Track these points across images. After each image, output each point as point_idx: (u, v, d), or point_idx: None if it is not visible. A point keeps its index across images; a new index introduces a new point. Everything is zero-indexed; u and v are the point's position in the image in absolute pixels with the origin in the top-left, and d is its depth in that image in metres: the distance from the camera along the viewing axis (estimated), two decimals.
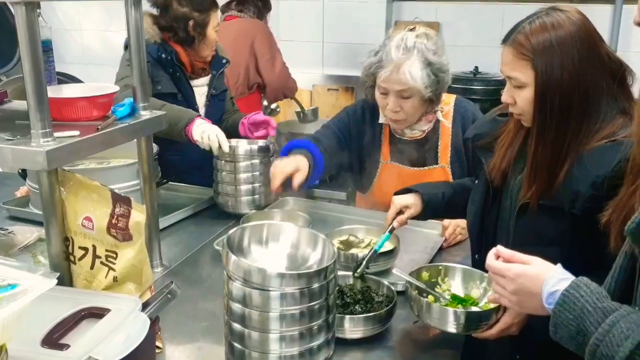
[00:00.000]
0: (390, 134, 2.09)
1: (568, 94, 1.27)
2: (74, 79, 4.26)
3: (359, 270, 1.51)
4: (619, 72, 1.32)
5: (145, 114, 1.52)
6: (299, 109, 3.52)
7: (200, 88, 2.36)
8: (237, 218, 1.95)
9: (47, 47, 1.57)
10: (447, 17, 3.89)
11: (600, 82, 1.30)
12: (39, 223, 1.85)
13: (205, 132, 1.97)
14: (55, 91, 1.48)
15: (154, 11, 2.29)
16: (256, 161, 2.01)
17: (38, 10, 1.52)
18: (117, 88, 1.51)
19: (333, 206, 2.20)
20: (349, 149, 2.10)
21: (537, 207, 1.34)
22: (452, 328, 1.32)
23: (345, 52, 3.91)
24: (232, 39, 3.26)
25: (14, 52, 4.58)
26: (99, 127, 1.35)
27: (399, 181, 2.04)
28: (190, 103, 2.28)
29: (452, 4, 3.90)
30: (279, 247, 1.18)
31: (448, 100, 2.06)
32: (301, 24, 4.04)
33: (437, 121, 2.04)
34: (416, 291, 1.40)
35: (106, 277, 1.25)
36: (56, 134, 1.23)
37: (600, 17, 3.56)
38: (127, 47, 2.25)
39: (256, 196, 2.03)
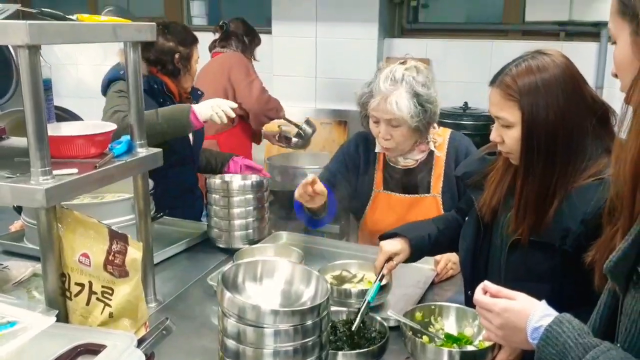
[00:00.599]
0: (384, 162, 2.16)
1: (553, 133, 1.32)
2: (68, 112, 4.30)
3: (354, 326, 1.44)
4: (602, 112, 1.38)
5: (141, 152, 1.55)
6: (296, 129, 3.55)
7: None
8: (230, 253, 1.98)
9: (47, 86, 1.60)
10: (437, 53, 3.98)
11: (585, 123, 1.36)
12: (33, 258, 1.86)
13: (215, 105, 2.14)
14: (54, 129, 1.51)
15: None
16: (250, 196, 2.04)
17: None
18: (114, 126, 1.55)
19: (326, 241, 2.23)
20: (348, 183, 2.18)
21: (528, 243, 1.38)
22: None
23: (337, 87, 3.98)
24: (213, 73, 3.37)
25: (9, 85, 4.63)
26: (97, 164, 1.37)
27: (390, 209, 2.12)
28: None
29: (442, 40, 4.00)
30: (273, 284, 1.20)
31: (442, 134, 2.14)
32: (295, 60, 4.12)
33: (431, 151, 2.11)
34: (411, 332, 1.41)
35: (102, 313, 1.26)
36: (55, 172, 1.26)
37: (586, 55, 3.68)
38: (112, 81, 2.36)
39: (249, 231, 2.05)
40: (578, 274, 1.21)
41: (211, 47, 3.63)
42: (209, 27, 4.53)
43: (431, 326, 1.50)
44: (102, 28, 1.39)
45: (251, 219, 2.05)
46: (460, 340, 1.44)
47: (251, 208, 2.04)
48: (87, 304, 1.28)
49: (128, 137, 1.55)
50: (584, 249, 1.14)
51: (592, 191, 1.31)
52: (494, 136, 1.44)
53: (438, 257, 1.90)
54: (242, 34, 3.53)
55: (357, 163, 2.17)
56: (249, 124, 3.51)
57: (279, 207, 3.23)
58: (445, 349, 1.35)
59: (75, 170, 1.32)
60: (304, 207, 2.01)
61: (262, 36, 3.88)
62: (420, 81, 1.95)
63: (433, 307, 1.54)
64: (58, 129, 1.54)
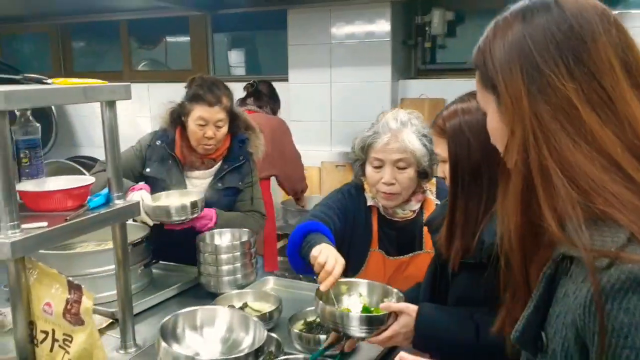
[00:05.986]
0: (379, 218, 2.05)
1: (476, 168, 1.40)
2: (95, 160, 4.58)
3: None
4: None
5: (118, 203, 1.65)
6: None
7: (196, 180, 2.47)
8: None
9: (36, 144, 1.74)
10: (454, 93, 3.98)
11: None
12: None
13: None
14: (39, 184, 1.63)
15: None
16: (237, 242, 2.10)
17: (28, 112, 1.72)
18: (92, 179, 1.65)
19: (312, 286, 2.25)
20: (344, 232, 2.03)
21: (461, 266, 1.45)
22: (353, 331, 1.47)
23: (352, 130, 4.00)
24: None
25: (49, 137, 4.95)
26: (68, 217, 1.47)
27: (383, 271, 2.04)
28: None
29: (458, 80, 4.02)
30: (213, 332, 1.25)
31: (433, 182, 2.07)
32: (310, 105, 4.23)
33: (422, 204, 2.04)
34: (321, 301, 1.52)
35: (62, 359, 1.34)
36: (25, 226, 1.36)
37: None
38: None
39: (237, 276, 2.10)
40: None
41: (240, 104, 3.68)
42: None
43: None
44: (71, 90, 1.50)
45: (238, 264, 2.09)
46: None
47: (239, 253, 2.09)
48: (51, 350, 1.36)
49: (107, 190, 1.66)
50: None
51: None
52: (439, 172, 1.56)
53: None
54: (269, 96, 3.66)
55: (358, 211, 2.06)
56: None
57: None
58: (345, 312, 1.48)
59: (45, 224, 1.41)
60: (302, 256, 1.78)
61: (280, 83, 4.03)
62: (424, 125, 1.95)
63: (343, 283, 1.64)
64: (43, 185, 1.66)
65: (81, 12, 5.10)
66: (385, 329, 1.46)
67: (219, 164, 2.46)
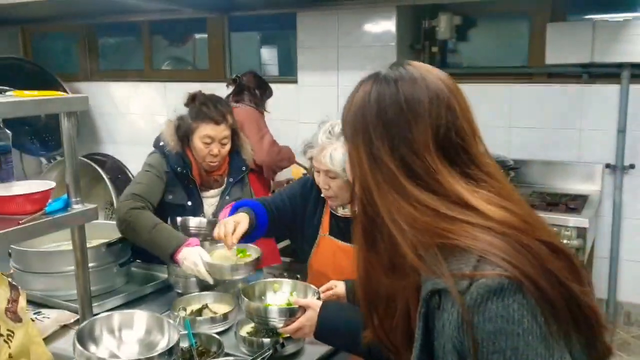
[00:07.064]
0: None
1: None
2: (108, 157, 4.74)
3: None
4: None
5: (77, 208, 1.74)
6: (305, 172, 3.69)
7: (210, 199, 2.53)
8: None
9: (6, 150, 1.85)
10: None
11: None
12: None
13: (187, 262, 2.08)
14: (4, 188, 1.74)
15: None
16: (205, 243, 2.18)
17: None
18: (52, 184, 1.75)
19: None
20: (294, 216, 2.21)
21: None
22: (270, 322, 1.67)
23: None
24: None
25: None
26: (20, 221, 1.58)
27: (334, 255, 2.17)
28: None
29: (467, 85, 3.95)
30: (131, 334, 1.33)
31: None
32: (319, 108, 4.26)
33: None
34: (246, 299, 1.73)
35: (4, 354, 1.44)
36: None
37: (608, 97, 3.55)
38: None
39: None
40: None
41: None
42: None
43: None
44: (25, 103, 1.60)
45: None
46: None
47: None
48: None
49: (65, 196, 1.76)
50: None
51: None
52: None
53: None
54: (254, 87, 3.71)
55: (308, 201, 2.21)
56: (261, 176, 3.64)
57: None
58: (261, 306, 1.70)
59: None
60: None
61: (289, 85, 4.09)
62: None
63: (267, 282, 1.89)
64: (9, 189, 1.76)
65: (105, 13, 5.27)
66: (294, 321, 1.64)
67: (225, 178, 2.55)
